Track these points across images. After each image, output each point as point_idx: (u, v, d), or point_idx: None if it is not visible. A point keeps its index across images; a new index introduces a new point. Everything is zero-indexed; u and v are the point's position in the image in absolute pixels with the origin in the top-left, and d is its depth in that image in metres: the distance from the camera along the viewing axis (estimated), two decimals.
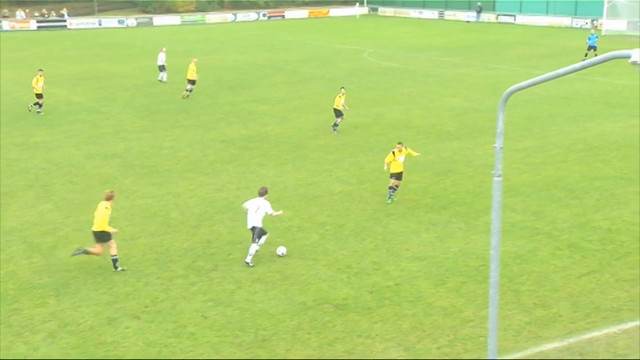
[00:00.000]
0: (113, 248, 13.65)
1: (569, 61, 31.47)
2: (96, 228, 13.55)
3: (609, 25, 52.80)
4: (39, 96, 28.44)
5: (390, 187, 17.66)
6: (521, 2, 65.60)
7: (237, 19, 73.19)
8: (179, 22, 70.98)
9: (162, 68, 35.24)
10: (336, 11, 78.38)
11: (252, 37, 55.90)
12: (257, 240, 13.86)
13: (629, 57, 7.36)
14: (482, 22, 66.56)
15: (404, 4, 76.75)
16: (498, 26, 62.36)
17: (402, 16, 74.89)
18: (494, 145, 8.65)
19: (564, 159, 21.24)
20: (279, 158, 22.02)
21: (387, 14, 77.03)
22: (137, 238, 15.51)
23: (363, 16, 75.97)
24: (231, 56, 44.86)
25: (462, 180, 19.37)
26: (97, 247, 13.69)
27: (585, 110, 27.59)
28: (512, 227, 15.73)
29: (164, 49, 36.09)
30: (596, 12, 55.99)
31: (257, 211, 13.82)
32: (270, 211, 13.85)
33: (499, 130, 8.52)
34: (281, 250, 14.39)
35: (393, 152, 17.48)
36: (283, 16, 75.76)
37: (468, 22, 66.79)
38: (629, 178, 19.26)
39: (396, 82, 34.96)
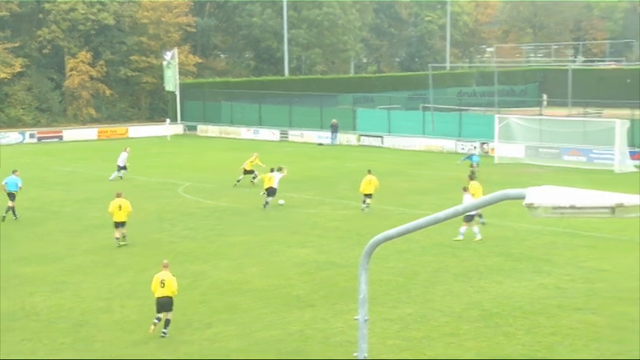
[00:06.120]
0: None
1: (456, 199, 33.41)
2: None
3: (502, 150, 57.09)
4: None
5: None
6: (389, 119, 69.72)
7: None
8: None
9: (120, 168, 48.73)
10: (138, 130, 79.25)
11: (14, 167, 54.93)
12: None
13: (523, 197, 7.95)
14: (340, 144, 69.73)
15: (233, 122, 79.09)
16: (361, 150, 65.53)
17: (230, 137, 76.96)
18: (356, 318, 8.86)
19: (455, 331, 22.01)
20: (52, 343, 21.30)
21: (209, 134, 78.87)
22: None
23: (176, 137, 77.31)
24: None
25: None
26: None
27: (479, 264, 29.06)
28: None
29: (128, 149, 50.23)
30: (485, 134, 60.51)
31: None
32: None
33: (362, 297, 8.77)
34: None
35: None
36: (61, 138, 75.42)
37: (320, 144, 69.74)
38: (541, 358, 20.19)
39: (224, 228, 35.31)
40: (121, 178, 48.60)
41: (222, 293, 25.68)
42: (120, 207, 31.54)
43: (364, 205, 38.72)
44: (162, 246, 31.78)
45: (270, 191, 39.42)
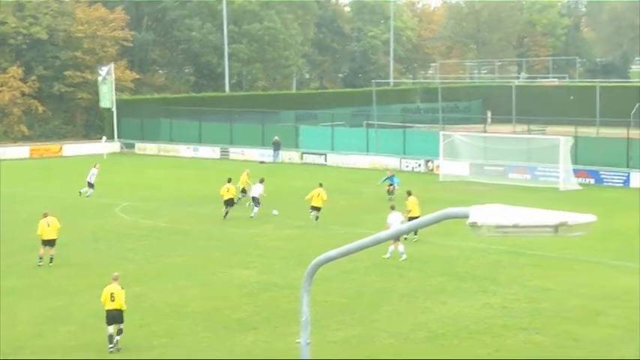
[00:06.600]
0: None
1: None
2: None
3: (447, 168, 57.65)
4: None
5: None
6: (332, 137, 69.99)
7: None
8: None
9: (91, 185, 49.30)
10: (73, 148, 78.46)
11: None
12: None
13: (466, 216, 8.06)
14: (282, 162, 69.79)
15: (172, 139, 78.73)
16: (303, 168, 65.65)
17: (169, 154, 76.56)
18: (298, 341, 8.89)
19: (399, 352, 22.13)
20: None
21: (148, 152, 78.37)
22: None
23: (113, 155, 76.64)
24: None
25: None
26: None
27: (425, 284, 29.27)
28: None
29: (97, 165, 51.00)
30: (429, 151, 61.05)
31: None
32: None
33: (304, 319, 8.80)
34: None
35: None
36: None
37: (262, 162, 69.69)
38: None
39: (163, 249, 35.10)
40: (88, 195, 49.14)
41: (162, 316, 25.51)
42: (48, 224, 31.79)
43: (313, 217, 39.99)
44: (99, 267, 31.41)
45: (229, 202, 41.70)
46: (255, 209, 42.13)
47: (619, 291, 27.92)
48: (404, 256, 32.25)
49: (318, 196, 39.91)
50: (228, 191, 42.01)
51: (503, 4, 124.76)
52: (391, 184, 48.13)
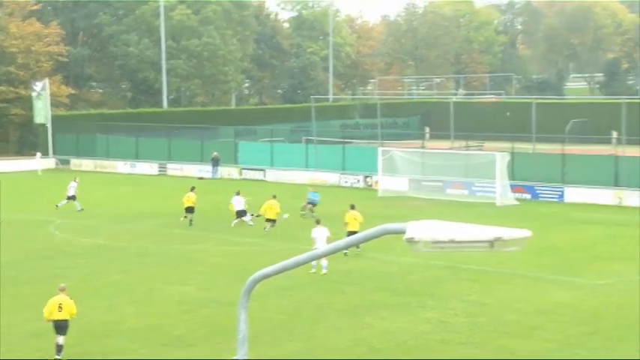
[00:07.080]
0: None
1: (339, 233, 33.77)
2: None
3: (386, 183, 58.02)
4: None
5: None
6: (272, 152, 70.06)
7: None
8: None
9: (70, 197, 50.08)
10: (6, 165, 77.39)
11: None
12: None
13: (403, 232, 8.12)
14: (222, 178, 69.60)
15: (109, 155, 78.07)
16: (243, 184, 65.43)
17: (106, 171, 75.87)
18: (236, 358, 8.86)
19: None
20: None
21: (84, 168, 77.54)
22: None
23: (47, 171, 75.76)
24: None
25: None
26: None
27: (364, 299, 29.37)
28: None
29: (77, 178, 53.08)
30: (368, 167, 61.41)
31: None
32: None
33: (241, 336, 8.79)
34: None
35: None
36: None
37: (200, 178, 69.45)
38: None
39: (100, 267, 34.75)
40: (59, 205, 50.05)
41: (97, 335, 25.23)
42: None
43: (266, 229, 41.21)
44: (33, 287, 30.96)
45: (189, 209, 44.25)
46: (249, 217, 43.65)
47: (555, 305, 28.31)
48: (324, 270, 32.54)
49: (271, 209, 41.47)
50: (188, 199, 44.15)
51: (441, 22, 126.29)
52: (309, 203, 48.57)
